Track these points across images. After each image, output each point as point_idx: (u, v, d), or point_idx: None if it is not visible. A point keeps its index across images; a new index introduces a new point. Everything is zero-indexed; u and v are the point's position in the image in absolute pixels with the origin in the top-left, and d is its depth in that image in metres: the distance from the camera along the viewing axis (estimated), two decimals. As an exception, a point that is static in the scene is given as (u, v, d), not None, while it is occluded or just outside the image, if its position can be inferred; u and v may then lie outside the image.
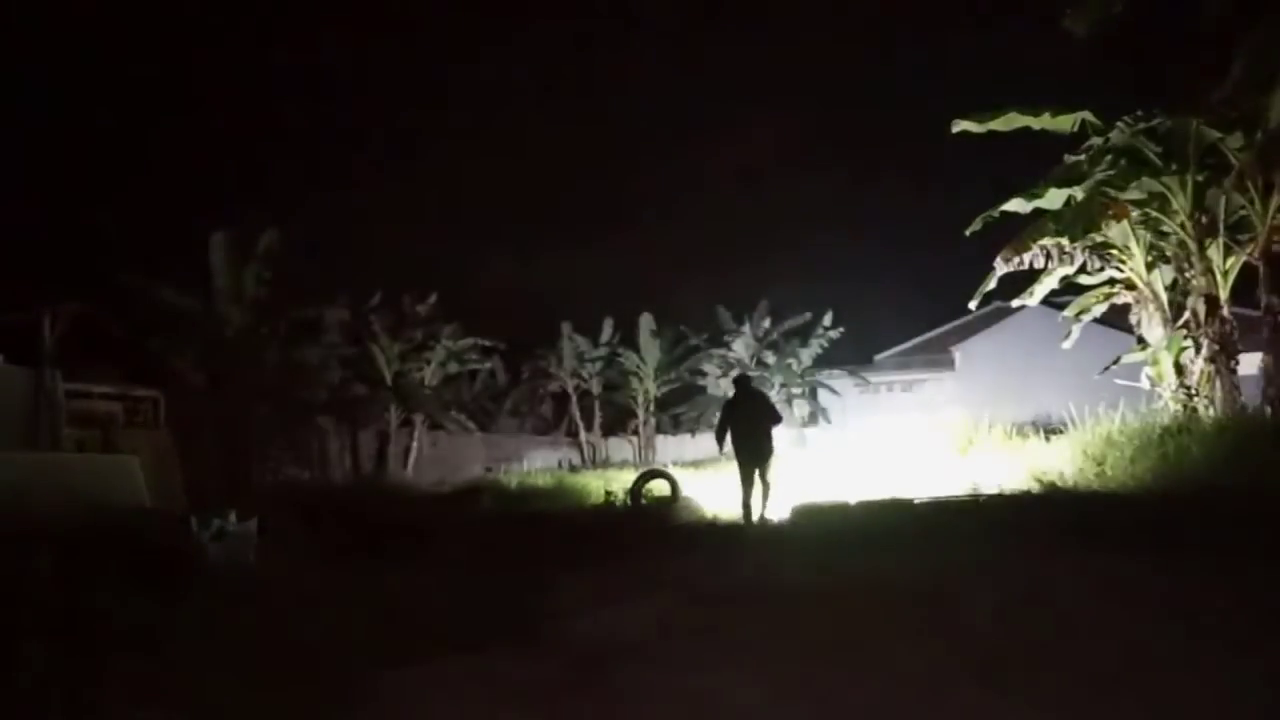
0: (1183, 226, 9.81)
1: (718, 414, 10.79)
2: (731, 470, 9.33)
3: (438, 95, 59.49)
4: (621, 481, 12.84)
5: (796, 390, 23.86)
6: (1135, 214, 10.00)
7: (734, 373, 19.67)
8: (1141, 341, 10.69)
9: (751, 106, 62.36)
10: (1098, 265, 10.80)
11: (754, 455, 8.64)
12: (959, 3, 54.03)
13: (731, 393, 9.73)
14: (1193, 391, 9.76)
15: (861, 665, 3.22)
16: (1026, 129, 10.26)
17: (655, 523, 9.00)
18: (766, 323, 23.73)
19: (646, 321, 24.49)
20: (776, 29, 59.99)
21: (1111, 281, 11.13)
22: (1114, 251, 10.62)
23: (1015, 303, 12.89)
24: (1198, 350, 9.76)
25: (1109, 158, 9.99)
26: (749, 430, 8.76)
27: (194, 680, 3.23)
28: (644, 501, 10.83)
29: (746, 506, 8.58)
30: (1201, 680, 2.87)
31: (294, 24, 50.74)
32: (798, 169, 62.09)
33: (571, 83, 64.49)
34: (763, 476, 8.61)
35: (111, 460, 8.08)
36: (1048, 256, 10.49)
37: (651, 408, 25.68)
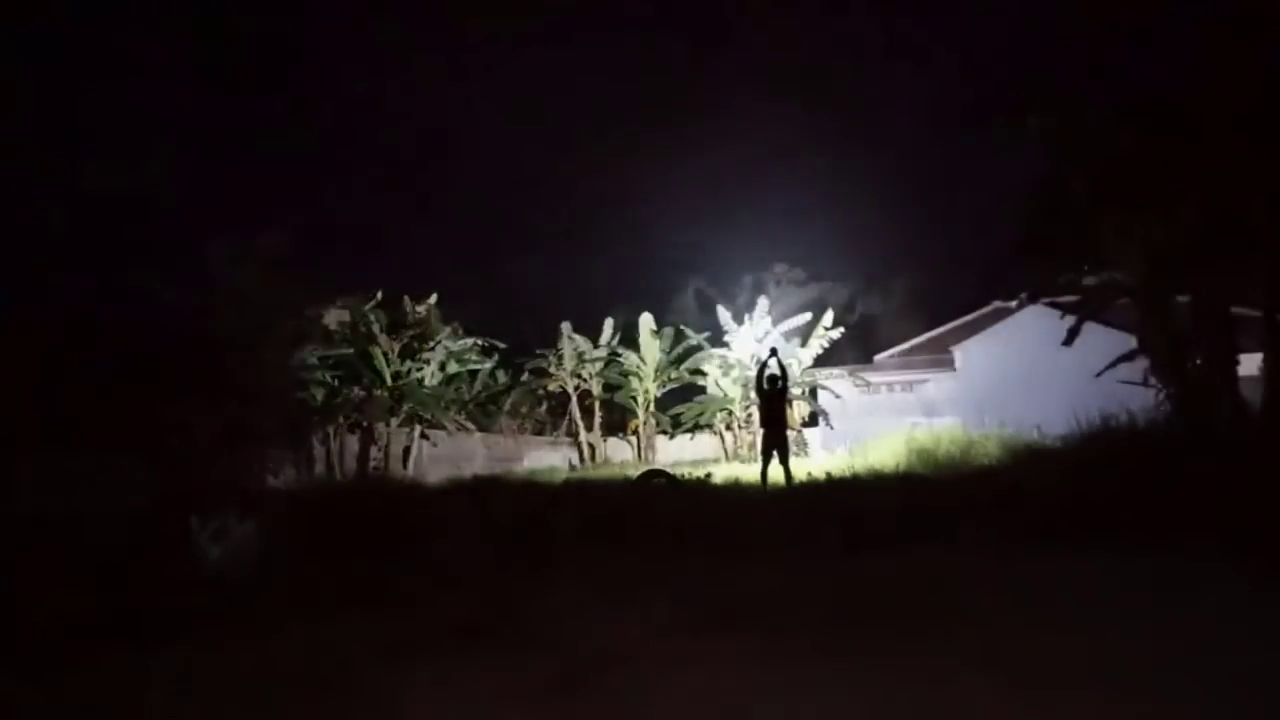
0: (1184, 227, 9.80)
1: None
2: (729, 470, 11.56)
3: (437, 95, 59.54)
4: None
5: (796, 391, 23.79)
6: (1137, 214, 9.98)
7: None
8: (1143, 341, 10.67)
9: (752, 103, 62.37)
10: (1099, 265, 10.78)
11: (774, 431, 11.02)
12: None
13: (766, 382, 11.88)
14: (1192, 392, 9.74)
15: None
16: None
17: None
18: (767, 322, 23.67)
19: (646, 321, 24.42)
20: (778, 22, 60.02)
21: (1114, 281, 11.11)
22: (1114, 253, 10.60)
23: (1015, 303, 12.88)
24: (1199, 350, 9.74)
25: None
26: (769, 408, 11.14)
27: (193, 680, 3.23)
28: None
29: (764, 471, 10.85)
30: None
31: (293, 17, 50.79)
32: (798, 167, 62.07)
33: (573, 80, 64.52)
34: (781, 452, 10.73)
35: (112, 461, 8.08)
36: (1049, 256, 10.47)
37: (651, 408, 25.63)
